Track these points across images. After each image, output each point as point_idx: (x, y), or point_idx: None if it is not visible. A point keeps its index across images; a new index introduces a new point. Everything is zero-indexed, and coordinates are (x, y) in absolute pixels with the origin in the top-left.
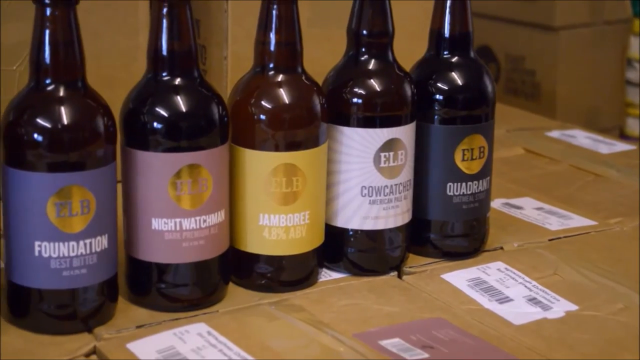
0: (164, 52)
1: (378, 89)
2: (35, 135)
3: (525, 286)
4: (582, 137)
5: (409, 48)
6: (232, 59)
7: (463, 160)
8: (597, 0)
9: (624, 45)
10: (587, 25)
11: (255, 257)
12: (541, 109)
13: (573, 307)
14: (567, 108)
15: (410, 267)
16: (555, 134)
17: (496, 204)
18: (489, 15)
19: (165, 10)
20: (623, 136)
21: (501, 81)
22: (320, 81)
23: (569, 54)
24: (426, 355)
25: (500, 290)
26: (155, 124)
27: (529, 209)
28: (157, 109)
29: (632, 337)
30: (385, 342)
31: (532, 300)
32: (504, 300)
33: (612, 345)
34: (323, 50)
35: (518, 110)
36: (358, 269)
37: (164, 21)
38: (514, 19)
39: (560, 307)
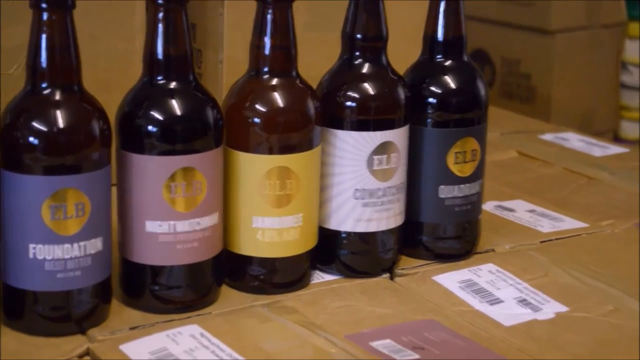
0: (160, 56)
1: (372, 93)
2: (31, 139)
3: (516, 288)
4: (575, 140)
5: (404, 52)
6: (227, 63)
7: (455, 163)
8: (593, 2)
9: (619, 48)
10: (582, 28)
11: (248, 259)
12: (536, 112)
13: (563, 309)
14: (562, 111)
15: (402, 269)
16: (548, 137)
17: (489, 206)
18: (485, 18)
19: (161, 14)
20: (617, 139)
21: (496, 84)
22: (315, 85)
23: (564, 57)
24: (416, 356)
25: (491, 291)
26: (150, 128)
27: (521, 211)
28: (152, 113)
29: (623, 339)
30: (376, 344)
31: (523, 302)
32: (495, 301)
33: (602, 346)
34: (319, 55)
35: (512, 114)
36: (351, 271)
37: (160, 25)
38: (509, 22)
39: (550, 308)
